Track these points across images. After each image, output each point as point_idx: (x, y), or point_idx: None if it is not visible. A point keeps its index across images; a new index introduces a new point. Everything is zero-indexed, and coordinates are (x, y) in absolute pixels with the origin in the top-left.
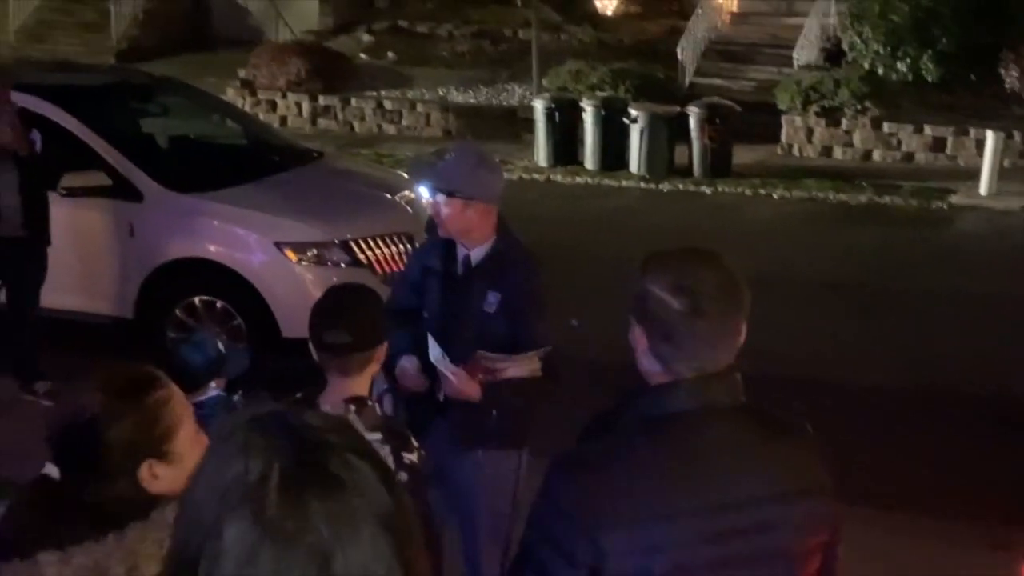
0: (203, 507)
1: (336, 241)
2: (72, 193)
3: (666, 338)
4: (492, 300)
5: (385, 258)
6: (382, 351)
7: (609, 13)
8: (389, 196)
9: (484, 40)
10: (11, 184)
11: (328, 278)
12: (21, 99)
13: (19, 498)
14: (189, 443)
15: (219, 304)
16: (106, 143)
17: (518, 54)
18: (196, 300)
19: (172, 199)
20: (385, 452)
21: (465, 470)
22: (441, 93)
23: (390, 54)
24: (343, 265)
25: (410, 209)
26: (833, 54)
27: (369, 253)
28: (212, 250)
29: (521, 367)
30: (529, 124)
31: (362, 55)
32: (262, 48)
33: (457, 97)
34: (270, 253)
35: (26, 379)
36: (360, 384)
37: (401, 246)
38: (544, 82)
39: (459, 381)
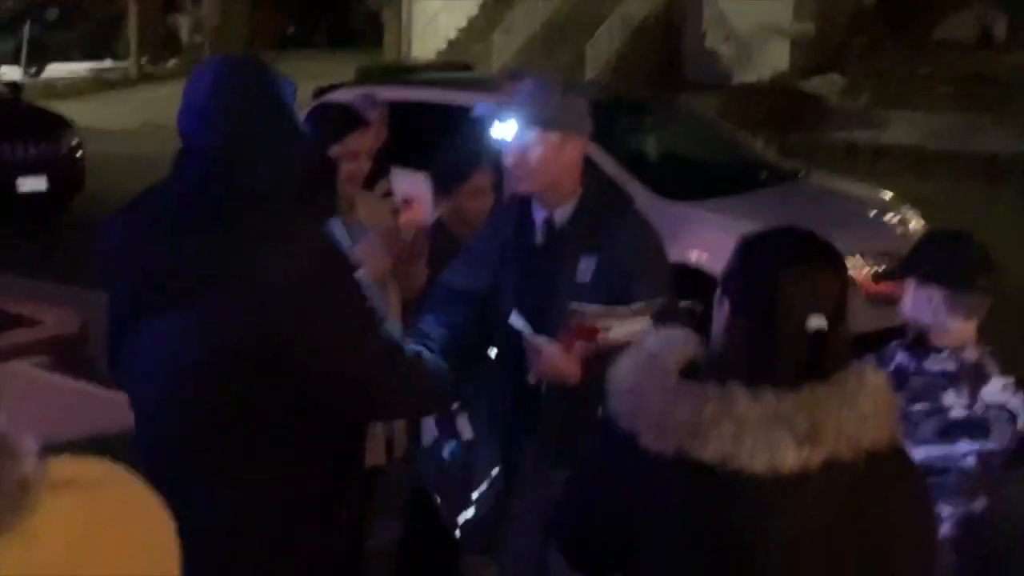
0: None
1: None
2: None
3: None
4: (585, 267)
5: (870, 277)
6: None
7: None
8: (875, 215)
9: (965, 84)
10: None
11: None
12: None
13: None
14: None
15: (699, 310)
16: (600, 150)
17: (1002, 99)
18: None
19: (660, 205)
20: None
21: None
22: (916, 138)
23: (863, 96)
24: None
25: (898, 229)
26: None
27: (855, 272)
28: (694, 257)
29: (630, 324)
30: (1012, 173)
31: (834, 98)
32: (733, 89)
33: (932, 142)
34: None
35: None
36: None
37: (887, 266)
38: None
39: (553, 356)
